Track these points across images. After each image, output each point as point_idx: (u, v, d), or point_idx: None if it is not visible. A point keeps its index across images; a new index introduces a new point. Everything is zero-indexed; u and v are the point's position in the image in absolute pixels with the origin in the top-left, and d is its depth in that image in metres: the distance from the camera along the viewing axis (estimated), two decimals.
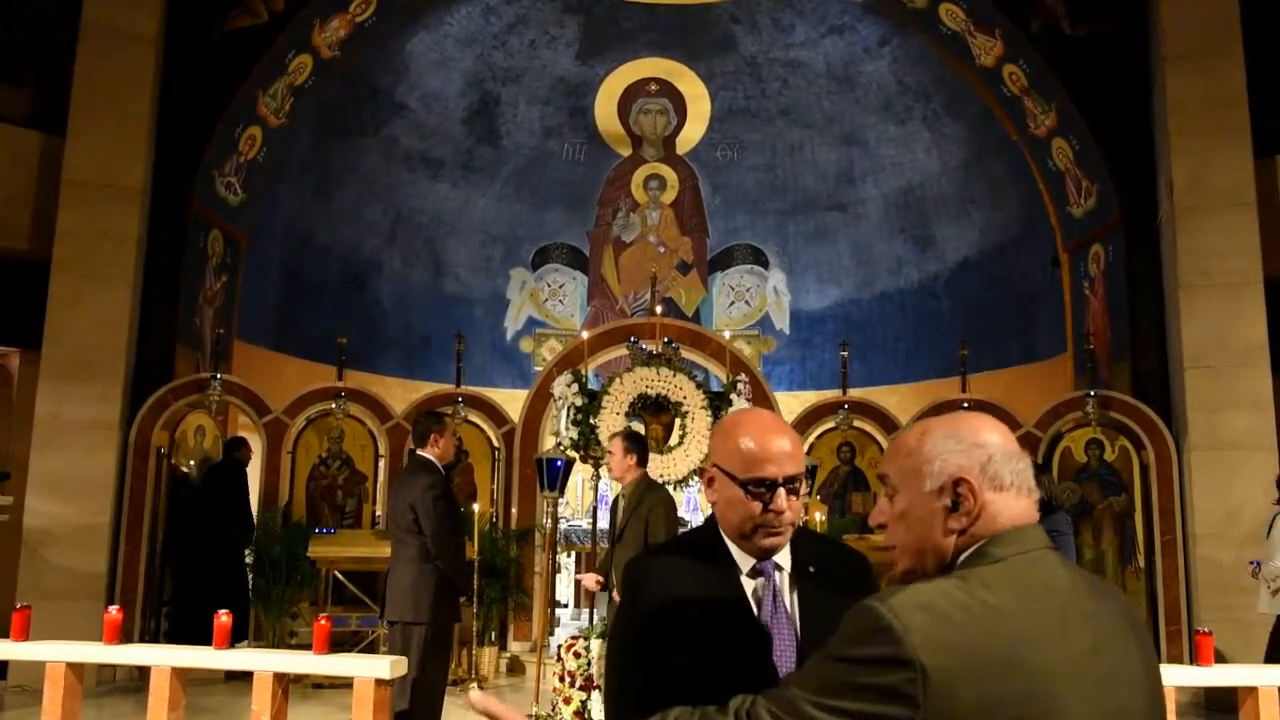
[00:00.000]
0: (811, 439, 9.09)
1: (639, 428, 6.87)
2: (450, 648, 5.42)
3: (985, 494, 1.33)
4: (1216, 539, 7.64)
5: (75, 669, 4.58)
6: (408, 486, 5.15)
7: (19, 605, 4.68)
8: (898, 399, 10.89)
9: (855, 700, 1.21)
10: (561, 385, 6.78)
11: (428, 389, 10.25)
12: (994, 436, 1.37)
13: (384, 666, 4.34)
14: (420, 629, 5.03)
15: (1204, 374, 7.83)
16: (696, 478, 7.20)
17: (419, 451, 5.24)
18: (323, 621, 4.62)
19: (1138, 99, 8.68)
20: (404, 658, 4.73)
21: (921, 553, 1.38)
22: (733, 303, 13.38)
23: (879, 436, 9.11)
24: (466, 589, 5.96)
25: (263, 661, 4.37)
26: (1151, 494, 8.13)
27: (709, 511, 1.87)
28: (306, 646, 7.94)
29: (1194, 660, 4.73)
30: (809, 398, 11.07)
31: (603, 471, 6.94)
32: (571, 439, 6.71)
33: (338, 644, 5.55)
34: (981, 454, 1.35)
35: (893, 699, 1.19)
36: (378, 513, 8.74)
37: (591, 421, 6.69)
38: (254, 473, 8.73)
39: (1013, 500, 1.34)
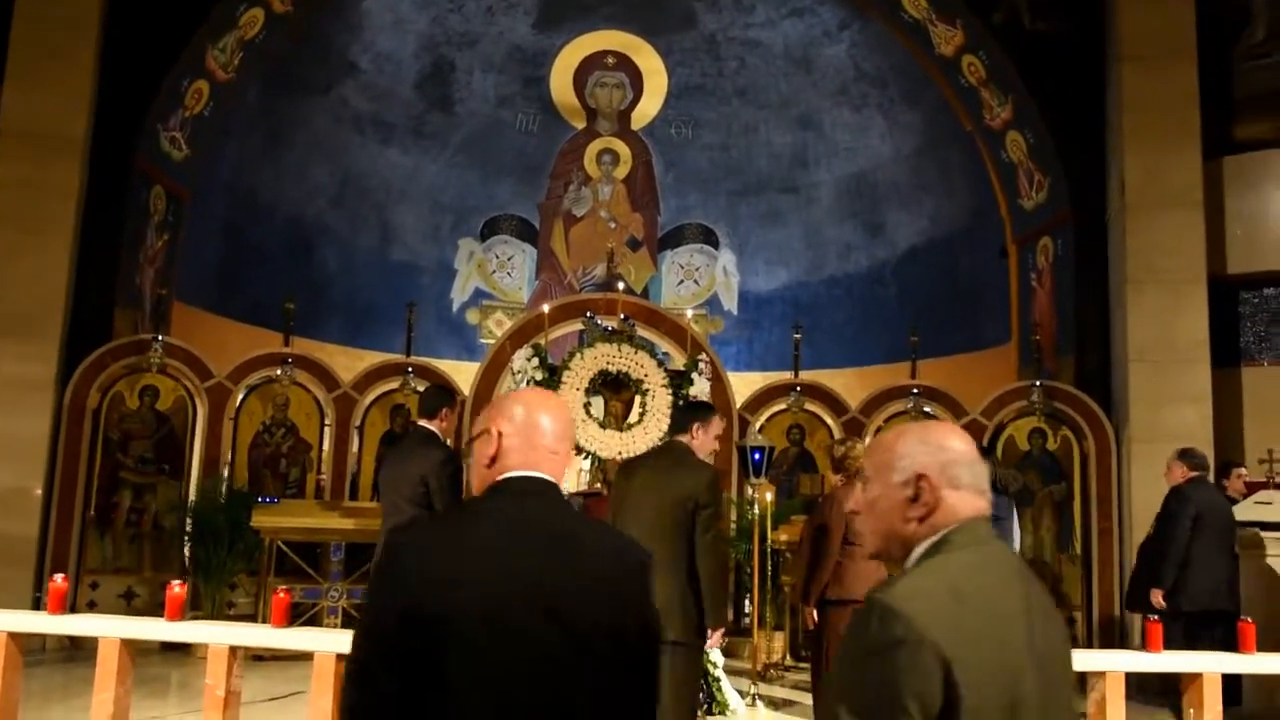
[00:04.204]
0: (762, 420, 9.13)
1: (599, 404, 6.85)
2: None
3: (943, 490, 1.53)
4: None
5: (17, 639, 4.40)
6: (418, 457, 4.84)
7: None
8: (843, 382, 10.97)
9: (881, 682, 1.34)
10: (521, 359, 6.71)
11: (372, 358, 10.06)
12: (958, 444, 1.58)
13: (347, 641, 4.24)
14: None
15: (1147, 368, 8.04)
16: None
17: (425, 424, 4.97)
18: (282, 594, 4.50)
19: (1092, 96, 8.84)
20: None
21: (887, 537, 1.57)
22: (681, 281, 13.37)
23: (829, 419, 9.19)
24: None
25: (222, 635, 4.24)
26: (1090, 483, 8.35)
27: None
28: (245, 617, 7.81)
29: (1144, 646, 4.86)
30: (755, 379, 11.10)
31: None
32: None
33: None
34: (944, 456, 1.55)
35: (915, 673, 1.33)
36: (322, 482, 8.57)
37: None
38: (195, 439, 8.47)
39: (969, 498, 1.54)
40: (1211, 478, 7.25)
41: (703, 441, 4.23)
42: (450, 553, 1.62)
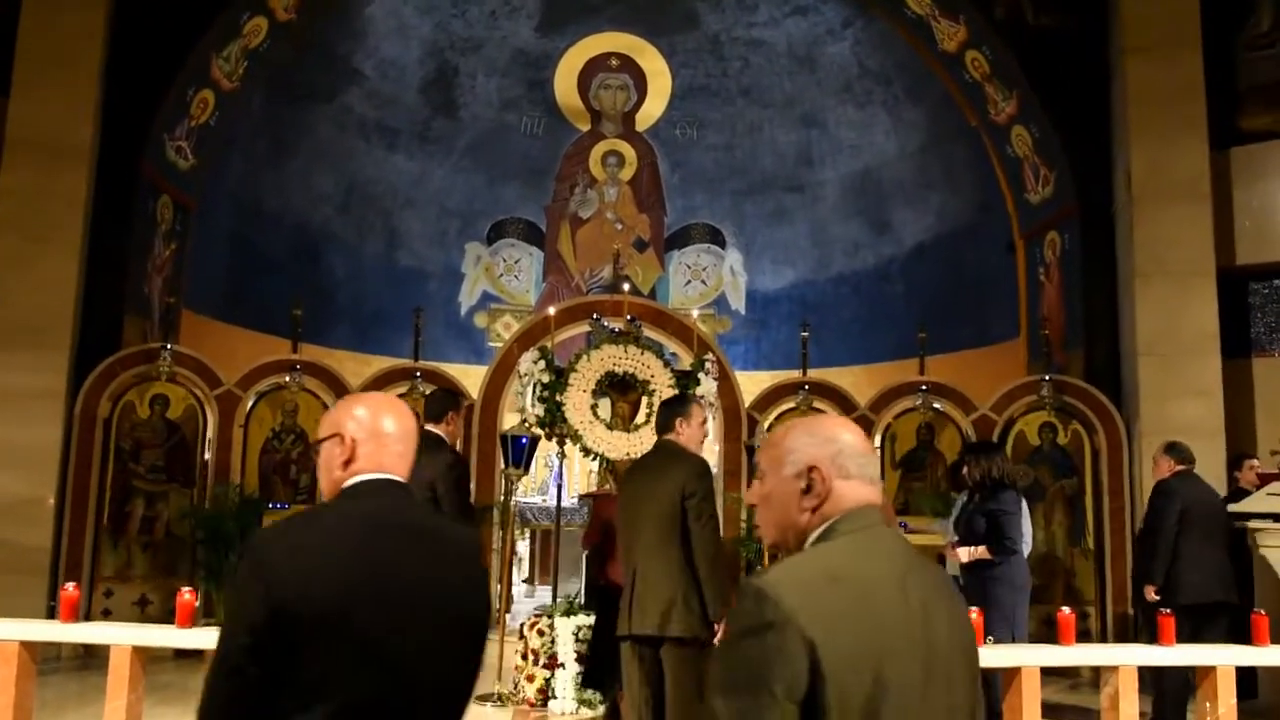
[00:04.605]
0: (770, 419, 9.11)
1: (606, 406, 6.83)
2: None
3: (833, 481, 1.58)
4: None
5: (29, 648, 4.42)
6: (425, 461, 4.79)
7: None
8: (851, 380, 10.94)
9: (750, 663, 1.38)
10: (528, 362, 6.71)
11: (380, 363, 10.07)
12: (846, 435, 1.63)
13: None
14: None
15: (1156, 361, 8.01)
16: None
17: (431, 428, 4.86)
18: None
19: (1097, 89, 8.80)
20: None
21: (783, 528, 1.62)
22: (689, 281, 13.36)
23: None
24: None
25: None
26: (1102, 477, 8.32)
27: None
28: None
29: (1155, 640, 4.84)
30: (763, 378, 11.09)
31: (568, 449, 6.90)
32: (538, 416, 6.65)
33: None
34: (833, 448, 1.61)
35: (781, 656, 1.36)
36: None
37: (558, 399, 6.63)
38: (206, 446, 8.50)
39: (857, 487, 1.59)
40: (1224, 470, 7.23)
41: (689, 435, 4.24)
42: (313, 553, 1.73)
